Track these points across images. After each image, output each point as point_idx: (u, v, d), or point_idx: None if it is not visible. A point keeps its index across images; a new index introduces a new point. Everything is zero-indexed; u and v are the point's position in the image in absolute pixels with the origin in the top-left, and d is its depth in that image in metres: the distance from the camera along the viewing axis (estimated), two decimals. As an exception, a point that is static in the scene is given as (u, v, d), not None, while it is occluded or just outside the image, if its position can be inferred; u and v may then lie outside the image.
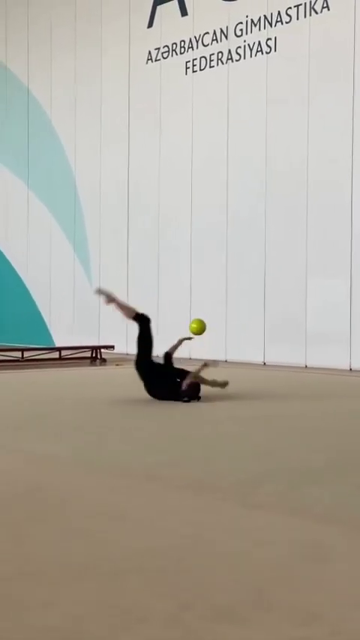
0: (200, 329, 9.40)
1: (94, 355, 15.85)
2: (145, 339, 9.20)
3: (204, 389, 9.30)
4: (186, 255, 16.71)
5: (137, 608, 3.04)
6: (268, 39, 15.25)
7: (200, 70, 16.59)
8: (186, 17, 16.84)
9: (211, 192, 16.26)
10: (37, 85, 20.30)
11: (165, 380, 9.20)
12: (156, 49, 17.42)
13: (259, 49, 15.38)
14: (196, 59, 16.68)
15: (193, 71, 16.71)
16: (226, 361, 15.62)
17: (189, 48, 16.80)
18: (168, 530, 4.08)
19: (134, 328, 17.50)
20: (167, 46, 17.21)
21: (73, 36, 19.25)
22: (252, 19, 15.53)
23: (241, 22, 15.77)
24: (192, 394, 9.06)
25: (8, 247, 20.63)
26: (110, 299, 9.48)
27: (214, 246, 16.19)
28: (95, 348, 16.01)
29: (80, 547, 3.81)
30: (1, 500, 4.71)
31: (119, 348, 16.76)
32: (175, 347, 9.49)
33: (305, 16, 14.63)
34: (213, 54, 16.34)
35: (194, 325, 9.45)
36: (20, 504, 4.60)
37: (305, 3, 14.63)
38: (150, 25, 17.53)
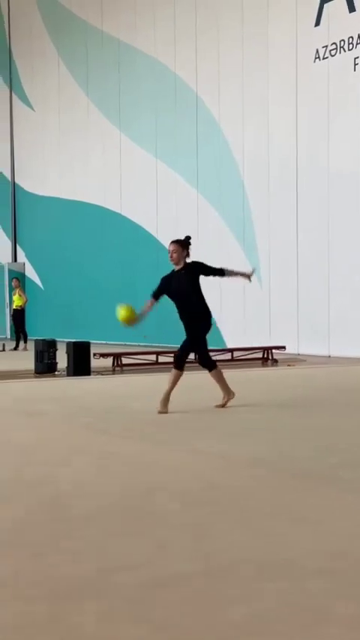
0: (127, 317, 8.55)
1: (265, 356, 15.92)
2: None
3: None
4: (357, 257, 16.47)
5: (320, 610, 3.08)
6: None
7: (369, 65, 16.31)
8: (354, 13, 16.61)
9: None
10: (204, 90, 20.59)
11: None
12: (323, 46, 17.28)
13: None
14: (365, 55, 16.41)
15: (362, 67, 16.45)
16: None
17: (357, 44, 16.56)
18: (349, 534, 4.08)
19: (306, 328, 17.40)
20: (335, 44, 17.03)
21: (240, 38, 19.39)
22: None
23: None
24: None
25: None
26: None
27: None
28: (267, 349, 16.07)
29: (262, 546, 3.88)
30: (184, 498, 4.85)
31: (290, 349, 16.75)
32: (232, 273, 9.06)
33: None
34: (382, 48, 16.03)
35: (124, 313, 8.55)
36: (201, 503, 4.73)
37: None
38: (317, 23, 17.41)
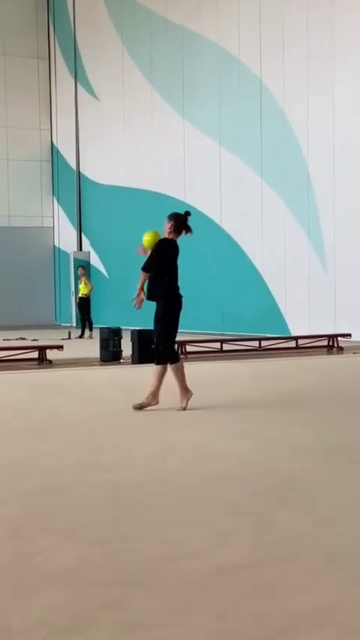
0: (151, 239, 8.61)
1: (330, 344, 15.76)
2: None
3: None
4: None
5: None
6: None
7: None
8: None
9: None
10: (269, 76, 20.41)
11: None
12: (390, 29, 16.97)
13: None
14: None
15: None
16: None
17: None
18: None
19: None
20: None
21: (305, 23, 19.15)
22: None
23: None
24: None
25: (243, 239, 20.94)
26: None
27: None
28: (332, 337, 15.91)
29: (330, 537, 3.84)
30: (248, 487, 4.83)
31: (356, 336, 16.56)
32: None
33: None
34: None
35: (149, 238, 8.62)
36: (266, 492, 4.71)
37: None
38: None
